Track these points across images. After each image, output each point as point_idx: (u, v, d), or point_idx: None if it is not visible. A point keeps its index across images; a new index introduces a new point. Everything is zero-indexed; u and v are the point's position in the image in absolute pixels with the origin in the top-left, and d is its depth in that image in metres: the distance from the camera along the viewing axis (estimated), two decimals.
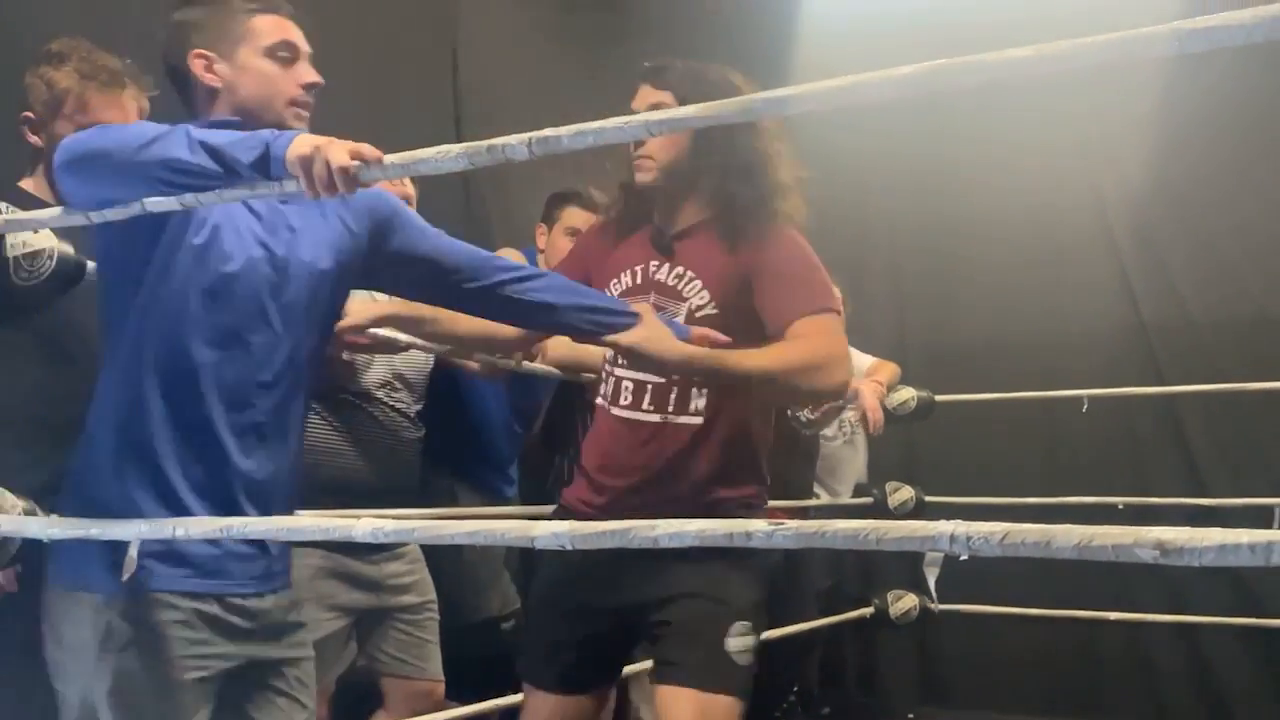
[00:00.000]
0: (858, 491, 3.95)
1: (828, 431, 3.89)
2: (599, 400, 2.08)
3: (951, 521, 1.25)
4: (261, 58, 1.64)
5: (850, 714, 3.97)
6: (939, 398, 4.06)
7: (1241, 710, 3.94)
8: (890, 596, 3.93)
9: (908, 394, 3.98)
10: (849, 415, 3.86)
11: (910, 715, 4.09)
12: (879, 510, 3.86)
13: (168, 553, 1.53)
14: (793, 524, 1.26)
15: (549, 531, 1.28)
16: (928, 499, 3.92)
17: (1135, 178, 4.26)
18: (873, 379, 3.91)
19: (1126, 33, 1.09)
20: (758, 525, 1.25)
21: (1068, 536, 1.18)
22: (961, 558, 1.35)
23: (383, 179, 1.45)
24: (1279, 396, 3.79)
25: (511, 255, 2.76)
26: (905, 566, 4.03)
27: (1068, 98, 4.21)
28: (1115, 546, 1.16)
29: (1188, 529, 1.16)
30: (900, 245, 4.57)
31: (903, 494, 3.94)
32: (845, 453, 3.93)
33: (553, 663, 2.03)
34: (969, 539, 1.19)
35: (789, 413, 3.55)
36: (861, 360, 4.08)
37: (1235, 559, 1.12)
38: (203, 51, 1.63)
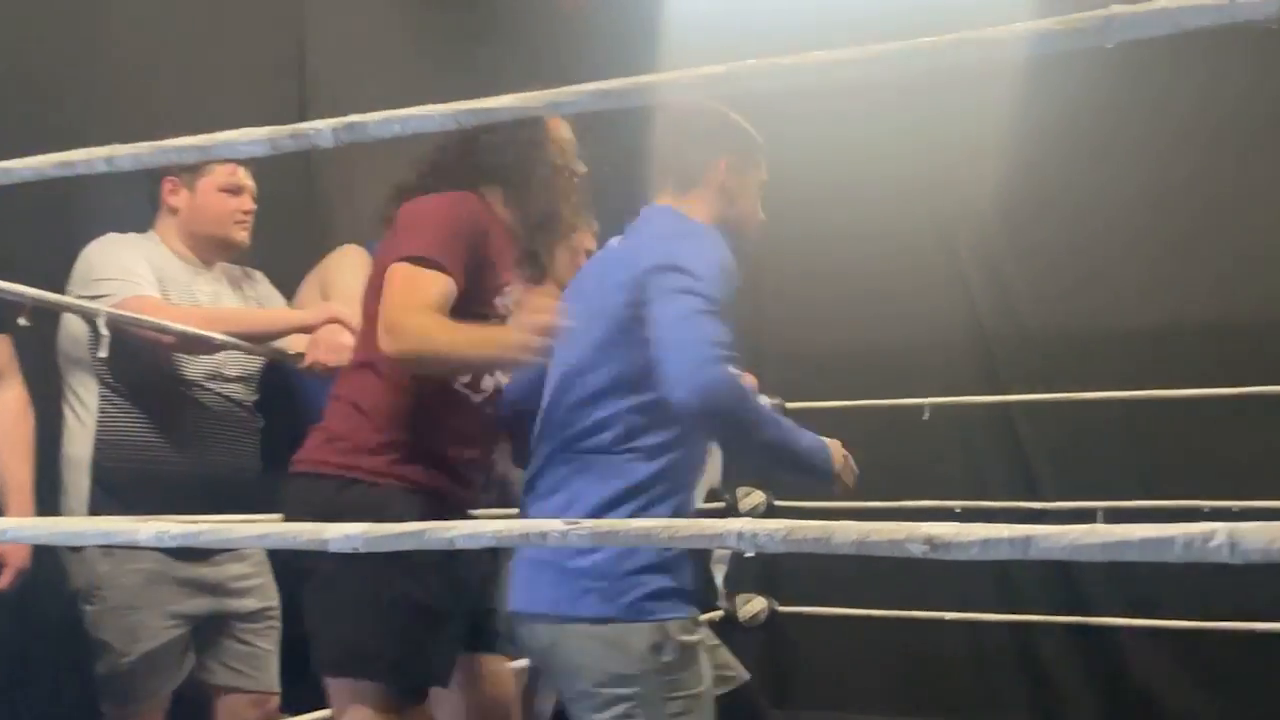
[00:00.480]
0: (710, 497, 4.01)
1: None
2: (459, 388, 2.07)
3: (739, 519, 1.29)
4: (757, 189, 2.10)
5: None
6: (790, 405, 4.17)
7: (1074, 706, 4.12)
8: (739, 600, 4.00)
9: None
10: None
11: None
12: (730, 515, 3.93)
13: (674, 589, 1.83)
14: (588, 523, 1.28)
15: (341, 534, 1.28)
16: (778, 503, 4.00)
17: (977, 196, 4.43)
18: None
19: (925, 39, 1.14)
20: (553, 525, 1.27)
21: (846, 533, 1.23)
22: (747, 554, 1.40)
23: (177, 161, 1.41)
24: (1105, 405, 4.00)
25: (353, 253, 2.73)
26: (755, 570, 4.11)
27: (917, 117, 4.37)
28: (890, 541, 1.22)
29: (955, 524, 1.23)
30: (757, 256, 4.64)
31: (754, 499, 4.03)
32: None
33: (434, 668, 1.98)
34: (755, 536, 1.24)
35: None
36: None
37: (997, 552, 1.18)
38: (731, 161, 2.04)
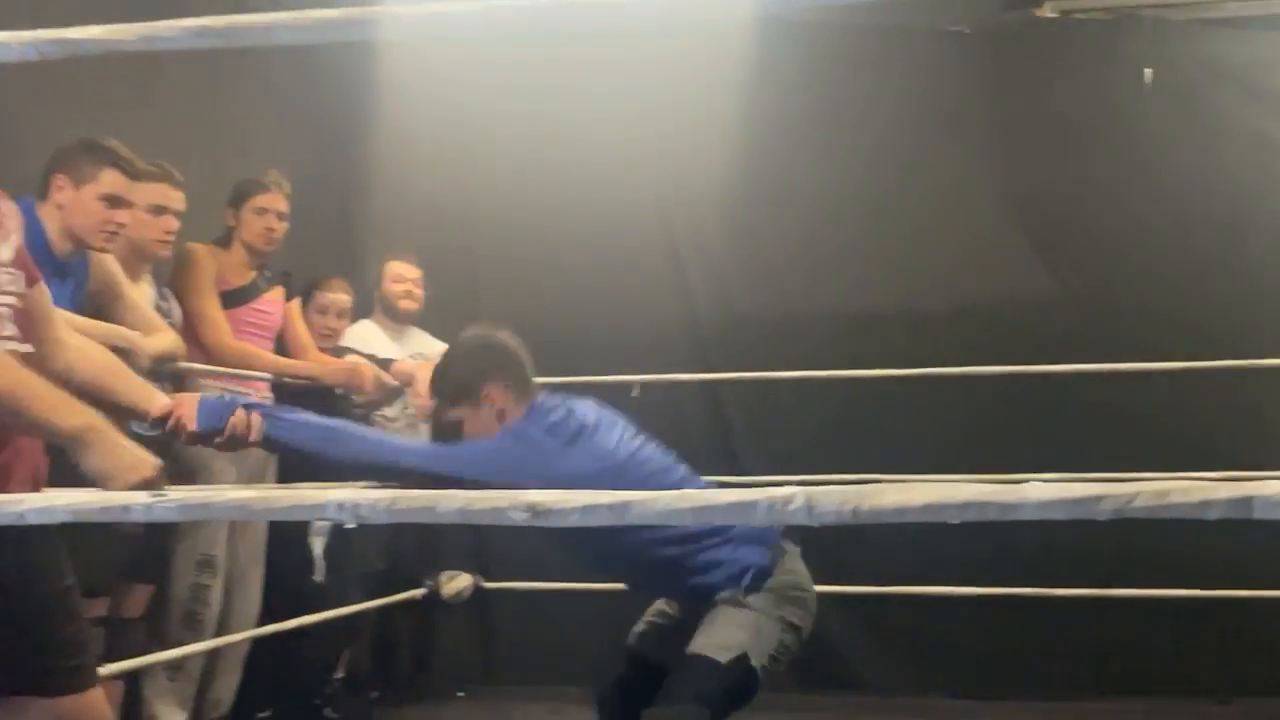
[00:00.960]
0: None
1: (389, 413, 3.84)
2: None
3: (340, 490, 1.24)
4: None
5: (400, 695, 3.95)
6: None
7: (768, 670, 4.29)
8: (444, 577, 3.94)
9: None
10: (412, 399, 3.84)
11: (460, 693, 4.13)
12: None
13: None
14: (176, 495, 1.20)
15: None
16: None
17: (694, 181, 4.54)
18: (431, 362, 3.91)
19: None
20: (138, 498, 1.18)
21: (450, 501, 1.20)
22: (348, 525, 1.36)
23: None
24: (808, 384, 4.20)
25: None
26: (463, 546, 4.06)
27: (639, 101, 4.43)
28: (493, 510, 1.20)
29: (559, 491, 1.22)
30: (476, 228, 4.60)
31: None
32: (406, 436, 3.89)
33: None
34: (356, 507, 1.19)
35: (337, 393, 3.48)
36: (432, 346, 4.08)
37: (597, 518, 1.18)
38: None
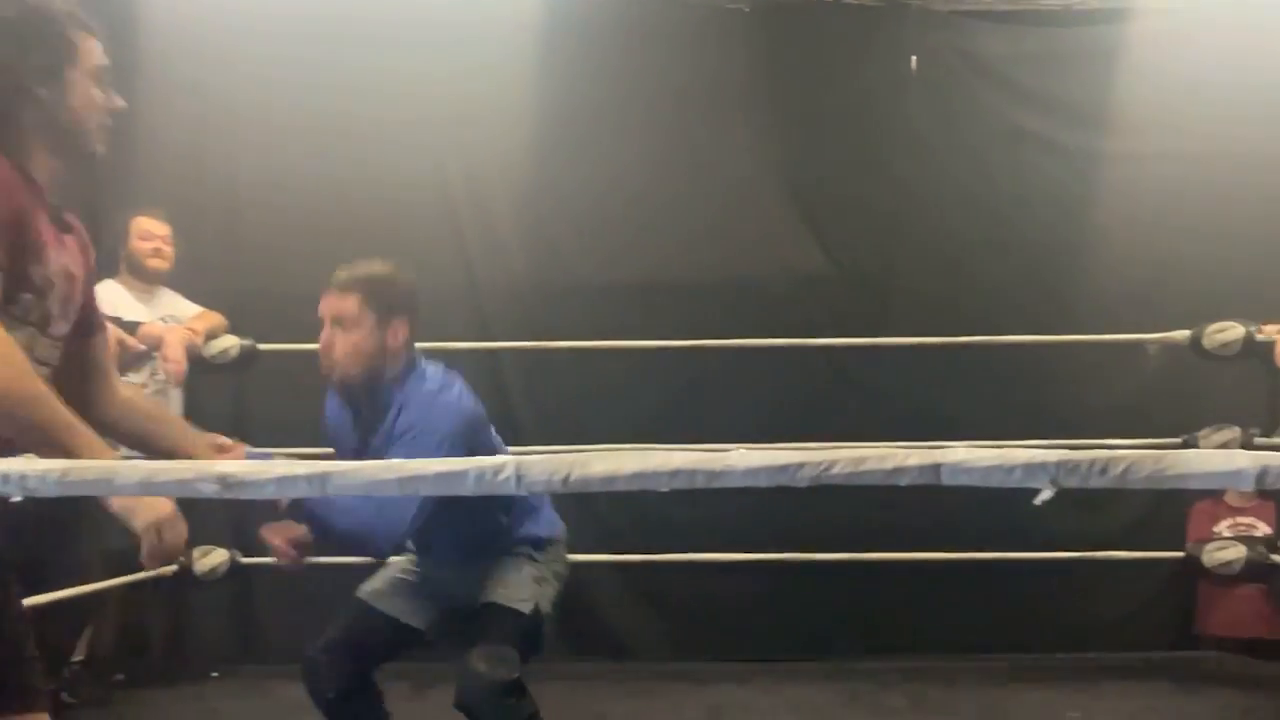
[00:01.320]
0: None
1: (135, 379, 3.61)
2: None
3: (6, 460, 1.13)
4: None
5: (148, 678, 3.73)
6: (266, 346, 3.95)
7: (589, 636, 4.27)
8: (197, 553, 3.74)
9: (229, 342, 3.84)
10: (160, 364, 3.62)
11: (214, 674, 3.94)
12: None
13: None
14: None
15: None
16: (250, 449, 3.76)
17: (478, 157, 4.46)
18: (186, 326, 3.71)
19: None
20: None
21: (131, 472, 1.11)
22: (13, 499, 1.25)
23: None
24: (588, 354, 4.19)
25: None
26: (218, 521, 3.86)
27: (423, 71, 4.30)
28: (179, 481, 1.11)
29: (251, 463, 1.15)
30: (241, 188, 4.36)
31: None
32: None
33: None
34: (23, 478, 1.08)
35: None
36: (185, 308, 3.86)
37: (294, 490, 1.12)
38: None
